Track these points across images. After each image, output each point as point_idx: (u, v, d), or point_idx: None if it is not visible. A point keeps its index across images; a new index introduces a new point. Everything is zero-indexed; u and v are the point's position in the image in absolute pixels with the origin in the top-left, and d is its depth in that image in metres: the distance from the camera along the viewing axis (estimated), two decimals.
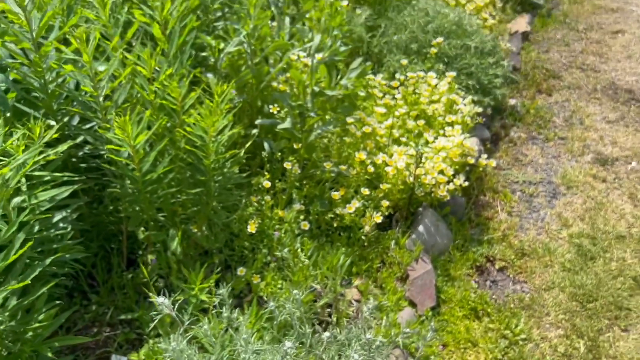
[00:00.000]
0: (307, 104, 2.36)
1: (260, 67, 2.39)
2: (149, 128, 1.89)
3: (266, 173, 2.43)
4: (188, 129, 1.85)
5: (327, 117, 2.50)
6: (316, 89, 2.34)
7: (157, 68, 2.07)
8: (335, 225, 2.45)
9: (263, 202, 2.37)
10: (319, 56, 2.56)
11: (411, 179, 2.53)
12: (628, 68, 4.30)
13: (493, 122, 3.53)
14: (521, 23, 4.67)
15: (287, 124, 2.27)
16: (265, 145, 2.48)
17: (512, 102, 3.73)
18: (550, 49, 4.60)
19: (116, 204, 2.08)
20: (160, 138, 2.03)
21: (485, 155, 2.88)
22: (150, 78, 2.02)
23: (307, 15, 3.11)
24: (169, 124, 2.03)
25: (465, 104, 3.02)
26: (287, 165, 2.35)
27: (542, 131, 3.52)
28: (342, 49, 2.64)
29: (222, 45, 2.45)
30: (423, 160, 2.60)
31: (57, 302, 1.74)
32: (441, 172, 2.59)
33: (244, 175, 2.20)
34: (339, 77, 2.72)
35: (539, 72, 4.16)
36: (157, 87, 1.94)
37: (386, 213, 2.51)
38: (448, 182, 2.61)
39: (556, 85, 4.05)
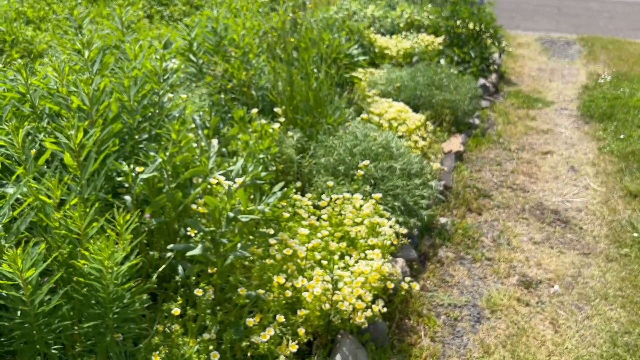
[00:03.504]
0: (222, 229, 2.37)
1: (175, 192, 2.41)
2: (46, 259, 1.85)
3: (179, 298, 2.38)
4: (82, 261, 1.82)
5: (244, 241, 2.50)
6: (231, 214, 2.36)
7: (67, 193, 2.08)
8: (249, 354, 2.38)
9: (173, 330, 2.29)
10: (239, 180, 2.61)
11: (327, 305, 2.51)
12: (555, 189, 4.50)
13: (422, 241, 3.59)
14: (455, 143, 4.90)
15: (197, 250, 2.26)
16: (179, 268, 2.45)
17: (442, 220, 3.82)
18: (483, 168, 4.80)
19: (8, 336, 1.99)
20: (62, 266, 2.00)
21: (408, 278, 2.90)
22: (56, 206, 2.02)
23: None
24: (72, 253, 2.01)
25: (390, 226, 3.08)
26: (198, 292, 2.31)
27: (470, 251, 3.59)
28: (264, 173, 2.70)
29: (141, 169, 2.48)
30: (341, 285, 2.59)
31: None
32: (359, 297, 2.59)
33: (157, 299, 2.14)
34: (263, 198, 2.76)
35: (470, 191, 4.32)
36: (58, 216, 1.93)
37: (305, 340, 2.46)
38: (366, 308, 2.59)
39: (486, 205, 4.19)
